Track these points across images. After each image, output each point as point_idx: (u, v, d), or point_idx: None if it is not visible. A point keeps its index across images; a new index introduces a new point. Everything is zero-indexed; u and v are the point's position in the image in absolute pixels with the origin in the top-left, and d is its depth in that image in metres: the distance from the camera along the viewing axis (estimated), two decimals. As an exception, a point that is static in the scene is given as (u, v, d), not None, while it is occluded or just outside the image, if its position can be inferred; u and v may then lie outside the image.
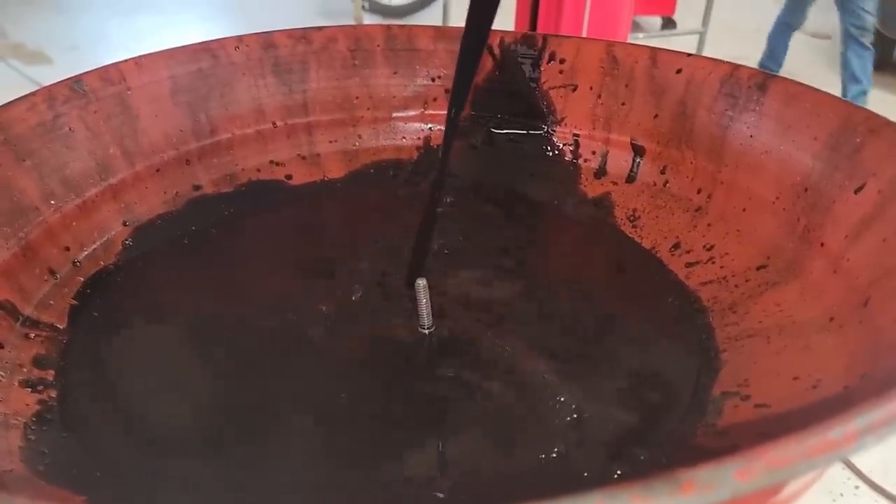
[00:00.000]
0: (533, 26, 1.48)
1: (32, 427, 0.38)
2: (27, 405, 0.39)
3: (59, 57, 2.85)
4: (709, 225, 0.52)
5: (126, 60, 0.53)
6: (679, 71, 0.55)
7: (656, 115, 0.57)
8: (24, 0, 3.59)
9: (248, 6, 3.61)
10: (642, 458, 0.39)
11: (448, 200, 0.59)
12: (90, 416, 0.39)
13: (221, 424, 0.40)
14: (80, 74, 0.51)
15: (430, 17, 3.45)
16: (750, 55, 2.90)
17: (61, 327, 0.45)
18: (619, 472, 0.38)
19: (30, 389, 0.40)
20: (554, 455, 0.38)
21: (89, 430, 0.39)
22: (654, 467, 0.38)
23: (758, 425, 0.37)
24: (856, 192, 0.43)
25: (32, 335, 0.43)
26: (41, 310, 0.45)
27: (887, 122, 0.43)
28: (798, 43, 3.36)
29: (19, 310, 0.43)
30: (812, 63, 3.09)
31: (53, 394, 0.40)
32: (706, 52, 2.46)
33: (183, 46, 0.56)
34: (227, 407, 0.42)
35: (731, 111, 0.52)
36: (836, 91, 2.61)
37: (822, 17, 3.69)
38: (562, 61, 0.60)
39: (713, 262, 0.50)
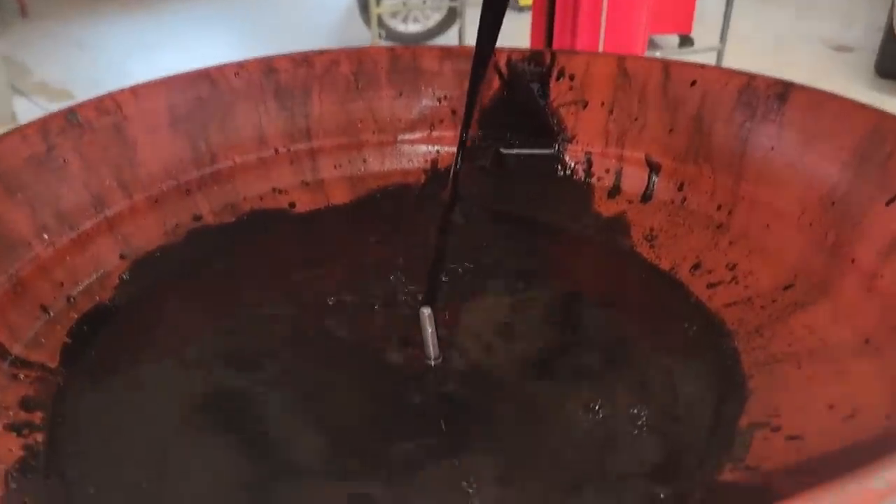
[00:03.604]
0: (549, 45, 1.46)
1: (15, 475, 0.35)
2: (10, 451, 0.37)
3: (82, 93, 2.89)
4: (731, 243, 0.50)
5: (122, 90, 0.52)
6: (693, 83, 0.53)
7: (671, 130, 0.54)
8: (48, 37, 3.66)
9: (269, 40, 3.65)
10: (662, 496, 0.36)
11: (457, 224, 0.57)
12: (78, 464, 0.37)
13: (221, 478, 0.38)
14: (75, 105, 0.49)
15: (446, 42, 3.46)
16: (770, 69, 2.86)
17: (52, 367, 0.43)
18: (638, 513, 0.35)
19: (15, 434, 0.38)
20: (566, 493, 0.36)
21: (76, 479, 0.36)
22: (678, 507, 0.35)
23: (790, 460, 0.34)
24: (888, 203, 0.40)
25: (21, 375, 0.41)
26: (31, 348, 0.43)
27: (919, 129, 0.40)
28: (820, 55, 3.33)
29: (7, 349, 0.41)
30: (833, 76, 3.04)
31: (40, 438, 0.38)
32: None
33: (181, 74, 0.55)
34: (228, 457, 0.39)
35: (750, 123, 0.50)
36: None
37: (845, 29, 3.65)
38: (571, 77, 0.58)
39: (736, 283, 0.47)
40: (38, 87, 3.06)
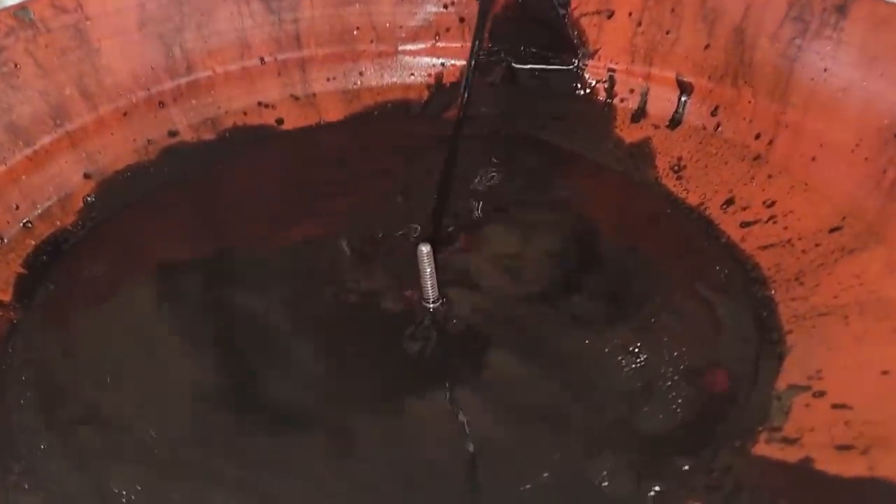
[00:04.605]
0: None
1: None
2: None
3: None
4: (770, 177, 0.44)
5: (83, -15, 0.46)
6: (737, -9, 0.46)
7: (708, 46, 0.48)
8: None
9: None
10: (686, 468, 0.32)
11: (464, 147, 0.51)
12: (29, 416, 0.33)
13: (199, 436, 0.34)
14: (26, 1, 0.43)
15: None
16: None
17: (5, 300, 0.39)
18: (656, 488, 0.31)
19: (-44, 379, 0.34)
20: (566, 466, 0.32)
21: (26, 433, 0.32)
22: (702, 481, 0.31)
23: (838, 433, 0.30)
24: (965, 138, 0.34)
25: (-32, 311, 0.37)
26: (-21, 280, 0.38)
27: None
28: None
29: (-49, 281, 0.37)
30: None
31: (-13, 383, 0.34)
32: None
33: (151, -32, 0.48)
34: (202, 402, 0.35)
35: (801, 39, 0.43)
36: None
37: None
38: (596, -18, 0.52)
39: (775, 222, 0.42)
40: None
